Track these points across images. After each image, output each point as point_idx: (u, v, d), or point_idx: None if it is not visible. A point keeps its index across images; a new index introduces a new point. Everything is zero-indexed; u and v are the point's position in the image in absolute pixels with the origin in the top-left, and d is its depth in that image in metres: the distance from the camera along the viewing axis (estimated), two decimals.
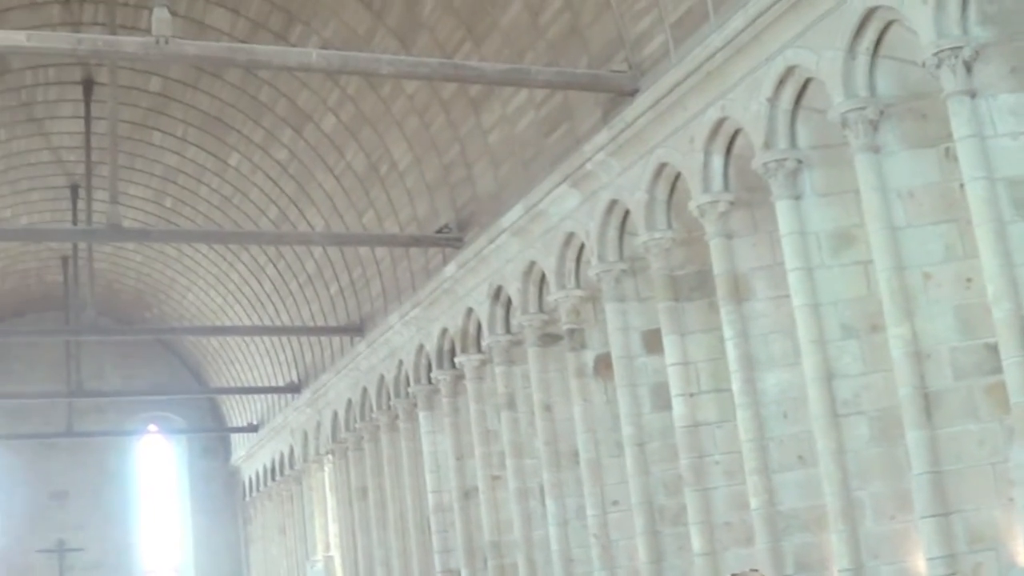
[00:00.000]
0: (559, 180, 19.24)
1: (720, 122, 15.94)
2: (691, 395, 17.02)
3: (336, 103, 26.14)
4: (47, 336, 38.76)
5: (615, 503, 19.21)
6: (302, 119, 27.51)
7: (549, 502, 20.97)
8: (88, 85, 28.69)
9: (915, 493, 13.39)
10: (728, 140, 16.10)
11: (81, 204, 32.73)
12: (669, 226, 17.40)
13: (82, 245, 33.88)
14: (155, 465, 50.50)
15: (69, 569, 47.49)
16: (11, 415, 45.64)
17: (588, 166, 18.42)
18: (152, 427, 48.96)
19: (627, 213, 18.21)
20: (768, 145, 15.01)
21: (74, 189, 33.63)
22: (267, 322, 36.19)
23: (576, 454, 20.10)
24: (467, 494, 24.83)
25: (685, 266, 17.53)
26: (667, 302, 17.31)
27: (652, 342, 18.18)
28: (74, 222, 33.90)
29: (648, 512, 18.00)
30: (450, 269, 23.80)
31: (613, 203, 18.40)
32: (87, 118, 29.16)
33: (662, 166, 17.17)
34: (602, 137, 17.89)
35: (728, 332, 15.96)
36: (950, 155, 13.34)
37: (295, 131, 28.02)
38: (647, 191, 17.41)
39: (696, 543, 16.78)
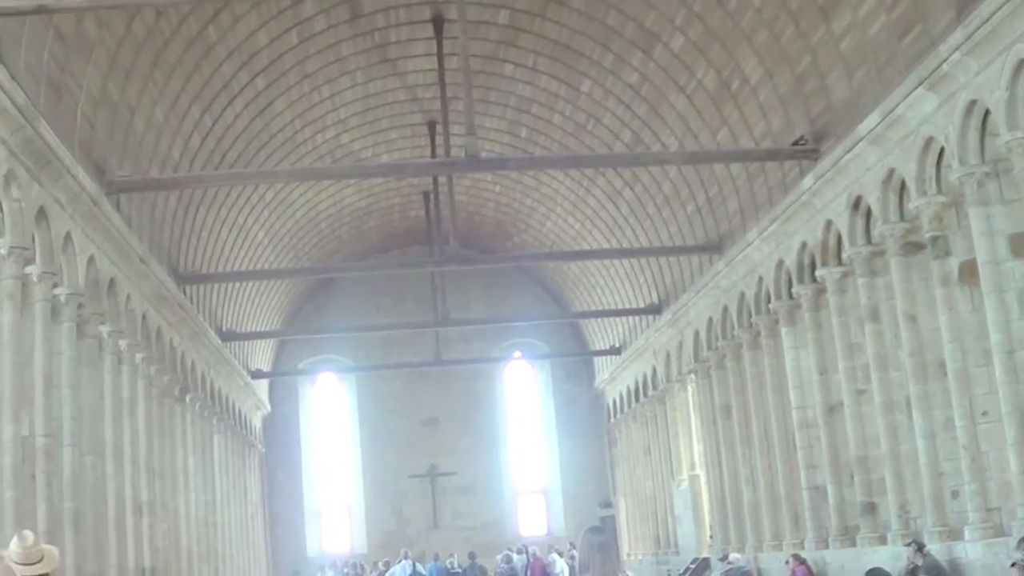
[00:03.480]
0: (915, 83, 18.74)
1: None
2: None
3: (684, 22, 26.04)
4: (413, 269, 39.89)
5: (984, 414, 18.78)
6: (651, 40, 27.52)
7: (916, 415, 20.64)
8: (438, 23, 29.33)
9: None
10: None
11: (439, 140, 33.53)
12: None
13: (442, 179, 34.77)
14: (520, 390, 51.75)
15: (441, 492, 49.29)
16: (383, 346, 47.60)
17: (944, 67, 17.88)
18: (516, 353, 50.12)
19: (987, 113, 17.63)
20: None
21: (431, 125, 34.57)
22: (625, 245, 36.51)
23: (943, 364, 19.73)
24: (832, 409, 24.63)
25: None
26: None
27: (1019, 245, 17.64)
28: (432, 156, 34.80)
29: (1020, 422, 17.50)
30: (807, 181, 23.53)
31: (972, 104, 17.83)
32: (439, 55, 29.84)
33: (1022, 62, 16.54)
34: (957, 36, 17.33)
35: None
36: None
37: (644, 53, 28.06)
38: (1007, 89, 16.80)
39: None
